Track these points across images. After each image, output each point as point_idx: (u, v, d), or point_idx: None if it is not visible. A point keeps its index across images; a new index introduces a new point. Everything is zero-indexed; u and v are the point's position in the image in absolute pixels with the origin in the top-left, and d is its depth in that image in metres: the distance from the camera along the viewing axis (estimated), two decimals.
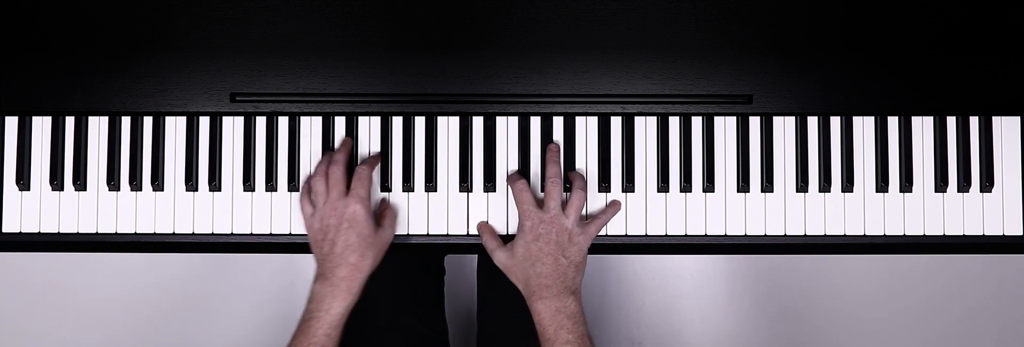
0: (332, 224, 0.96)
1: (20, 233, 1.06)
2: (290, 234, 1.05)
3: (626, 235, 1.05)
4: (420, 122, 1.06)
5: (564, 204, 0.99)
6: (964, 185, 1.05)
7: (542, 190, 1.04)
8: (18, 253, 1.18)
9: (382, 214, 1.02)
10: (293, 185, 1.05)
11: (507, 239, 1.03)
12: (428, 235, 1.05)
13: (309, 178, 1.04)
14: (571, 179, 1.02)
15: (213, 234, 1.05)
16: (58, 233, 1.06)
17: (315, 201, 1.00)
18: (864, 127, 1.06)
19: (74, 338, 1.78)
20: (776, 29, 1.04)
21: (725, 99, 1.04)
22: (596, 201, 1.05)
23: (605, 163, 1.05)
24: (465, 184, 1.05)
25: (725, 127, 1.06)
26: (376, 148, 1.06)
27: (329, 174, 0.99)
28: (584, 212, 1.04)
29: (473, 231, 1.05)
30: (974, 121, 1.06)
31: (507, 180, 1.02)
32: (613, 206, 1.03)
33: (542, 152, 1.05)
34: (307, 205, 1.01)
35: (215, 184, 1.05)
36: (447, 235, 1.05)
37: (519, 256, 0.97)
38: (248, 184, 1.05)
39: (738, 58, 1.04)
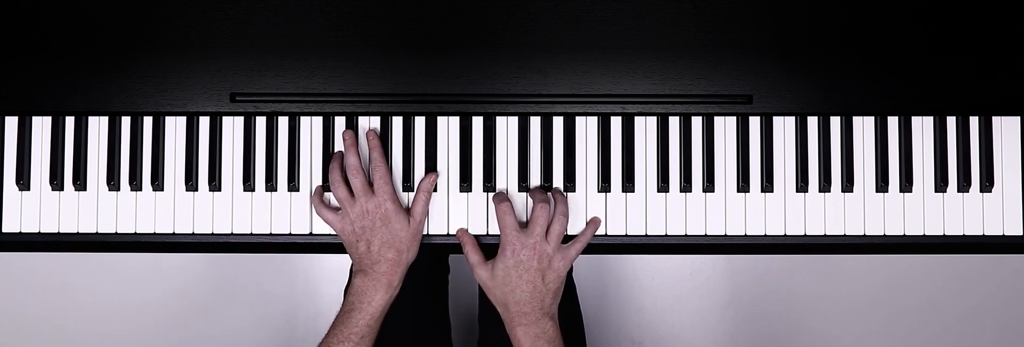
0: (366, 225, 0.98)
1: (20, 233, 1.06)
2: (290, 234, 1.05)
3: (626, 235, 1.05)
4: (420, 122, 1.06)
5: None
6: (964, 185, 1.05)
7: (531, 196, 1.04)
8: (18, 253, 1.18)
9: (415, 200, 1.02)
10: (293, 185, 1.05)
11: (492, 243, 1.03)
12: (428, 235, 1.05)
13: (317, 190, 1.04)
14: (555, 202, 1.01)
15: (213, 234, 1.05)
16: (58, 233, 1.06)
17: (342, 207, 1.00)
18: (864, 127, 1.06)
19: (74, 338, 1.78)
20: (776, 29, 1.04)
21: (725, 99, 1.04)
22: (597, 201, 1.05)
23: (605, 163, 1.05)
24: (465, 184, 1.05)
25: (725, 127, 1.06)
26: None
27: (351, 181, 1.00)
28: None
29: (473, 231, 1.05)
30: (974, 121, 1.06)
31: (493, 200, 1.02)
32: (592, 224, 1.03)
33: (542, 152, 1.05)
34: (327, 213, 1.01)
35: (215, 184, 1.05)
36: (448, 235, 1.05)
37: (498, 278, 0.98)
38: (248, 184, 1.05)
39: (738, 58, 1.04)
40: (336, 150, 1.05)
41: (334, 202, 1.04)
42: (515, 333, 0.98)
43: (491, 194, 1.05)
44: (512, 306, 0.97)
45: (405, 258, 0.98)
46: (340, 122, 1.06)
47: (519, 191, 1.05)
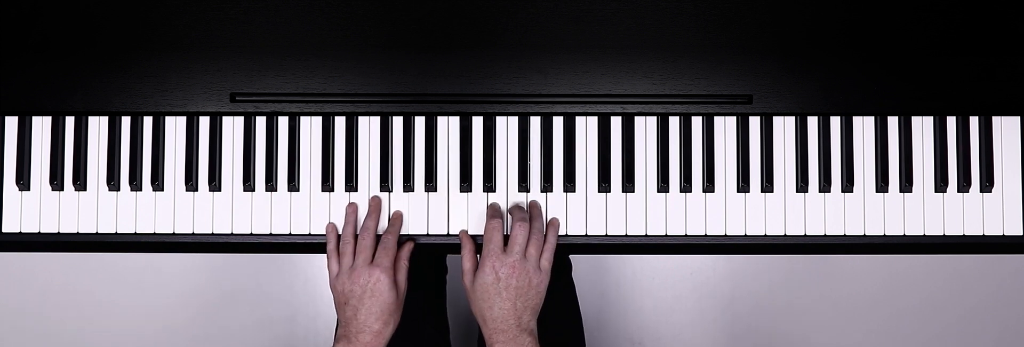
0: (356, 292, 0.98)
1: (20, 233, 1.06)
2: (290, 234, 1.05)
3: (626, 235, 1.05)
4: (420, 122, 1.06)
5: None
6: (964, 185, 1.05)
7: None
8: (18, 253, 1.18)
9: (396, 269, 1.01)
10: (293, 185, 1.05)
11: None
12: (428, 235, 1.05)
13: (333, 234, 1.04)
14: (532, 220, 1.02)
15: (213, 234, 1.05)
16: (58, 233, 1.05)
17: (341, 263, 1.01)
18: (864, 127, 1.06)
19: (74, 338, 1.78)
20: (776, 29, 1.04)
21: (725, 99, 1.04)
22: (597, 201, 1.05)
23: (605, 163, 1.05)
24: (465, 184, 1.05)
25: (725, 127, 1.06)
26: (376, 147, 1.06)
27: (359, 240, 1.01)
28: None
29: (473, 231, 1.05)
30: (974, 121, 1.06)
31: (487, 213, 1.03)
32: (551, 226, 1.03)
33: (542, 152, 1.05)
34: (334, 264, 1.01)
35: (215, 184, 1.05)
36: (447, 235, 1.05)
37: (478, 292, 0.99)
38: (248, 184, 1.05)
39: (738, 58, 1.04)
40: (336, 154, 1.05)
41: None
42: None
43: (490, 194, 1.05)
44: (490, 322, 0.98)
45: (388, 331, 0.99)
46: (340, 122, 1.06)
47: (519, 191, 1.05)
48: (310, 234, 1.05)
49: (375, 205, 1.04)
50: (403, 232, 1.05)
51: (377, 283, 0.98)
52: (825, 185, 1.05)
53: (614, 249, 1.05)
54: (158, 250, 1.06)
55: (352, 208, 1.04)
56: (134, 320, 1.78)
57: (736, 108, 1.04)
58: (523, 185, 1.05)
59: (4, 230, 1.06)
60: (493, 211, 1.02)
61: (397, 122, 1.06)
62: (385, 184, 1.05)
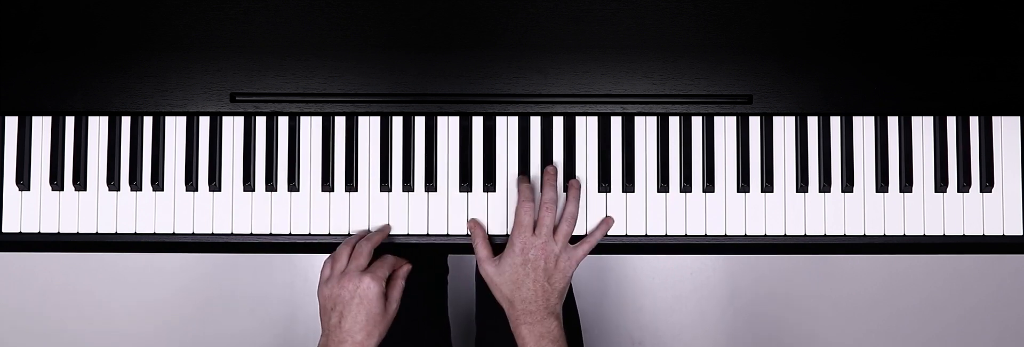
0: (344, 298, 0.96)
1: (20, 233, 1.06)
2: (290, 234, 1.05)
3: (626, 235, 1.05)
4: (420, 122, 1.06)
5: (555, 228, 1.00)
6: (964, 185, 1.05)
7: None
8: (18, 253, 1.18)
9: (391, 286, 1.00)
10: (293, 185, 1.05)
11: (499, 243, 1.03)
12: (428, 235, 1.05)
13: (339, 248, 1.02)
14: (566, 202, 1.02)
15: (213, 234, 1.05)
16: (58, 233, 1.06)
17: (334, 267, 0.99)
18: (864, 127, 1.06)
19: (74, 338, 1.78)
20: (776, 29, 1.04)
21: (725, 99, 1.04)
22: (597, 201, 1.05)
23: (605, 163, 1.05)
24: (465, 184, 1.05)
25: (725, 127, 1.06)
26: (376, 147, 1.06)
27: (356, 246, 0.99)
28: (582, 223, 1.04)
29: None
30: (974, 121, 1.06)
31: (517, 190, 1.02)
32: (604, 224, 1.04)
33: (542, 152, 1.05)
34: (327, 269, 1.00)
35: (215, 184, 1.05)
36: (447, 235, 1.05)
37: (506, 275, 0.98)
38: (248, 184, 1.05)
39: (738, 58, 1.04)
40: (336, 154, 1.05)
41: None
42: (519, 331, 0.98)
43: (490, 194, 1.05)
44: (518, 304, 0.98)
45: (372, 342, 0.96)
46: (340, 122, 1.06)
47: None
48: (310, 234, 1.05)
49: (385, 227, 1.04)
50: (399, 231, 1.05)
51: (367, 290, 0.95)
52: (825, 185, 1.05)
53: (614, 249, 1.05)
54: (158, 250, 1.06)
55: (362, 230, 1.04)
56: (134, 320, 1.78)
57: (736, 108, 1.04)
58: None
59: (4, 230, 1.06)
60: (526, 193, 1.01)
61: (397, 122, 1.06)
62: (385, 184, 1.05)
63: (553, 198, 1.01)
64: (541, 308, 0.97)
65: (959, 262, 1.78)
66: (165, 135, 1.06)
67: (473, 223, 1.04)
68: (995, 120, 1.06)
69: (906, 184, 1.05)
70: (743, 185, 1.05)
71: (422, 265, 1.27)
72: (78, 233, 1.05)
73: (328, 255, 1.02)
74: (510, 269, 0.98)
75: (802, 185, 1.05)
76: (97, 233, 1.05)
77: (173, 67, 1.04)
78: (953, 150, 1.06)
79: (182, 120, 1.06)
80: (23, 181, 1.06)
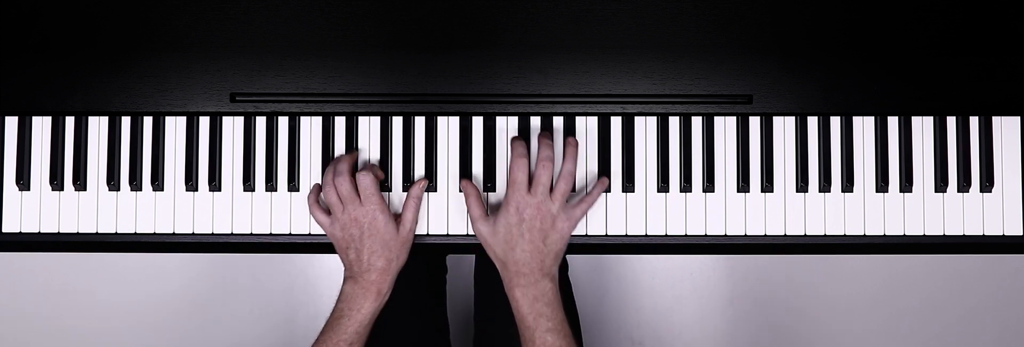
0: (355, 234, 0.98)
1: (20, 233, 1.06)
2: (290, 234, 1.05)
3: (626, 235, 1.05)
4: (420, 122, 1.06)
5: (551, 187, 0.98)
6: (964, 185, 1.05)
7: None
8: (18, 253, 1.18)
9: (406, 207, 1.01)
10: (293, 185, 1.05)
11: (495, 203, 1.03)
12: (428, 235, 1.05)
13: (314, 187, 1.04)
14: (564, 160, 1.00)
15: (213, 234, 1.05)
16: (58, 233, 1.06)
17: (332, 211, 1.00)
18: (864, 127, 1.06)
19: (74, 338, 1.78)
20: (776, 29, 1.04)
21: (725, 99, 1.04)
22: (597, 201, 1.05)
23: (605, 163, 1.05)
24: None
25: (725, 127, 1.06)
26: (376, 147, 1.06)
27: (337, 185, 0.99)
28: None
29: (472, 231, 1.05)
30: (974, 121, 1.06)
31: (511, 148, 1.00)
32: (600, 183, 1.02)
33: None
34: (319, 214, 1.01)
35: (215, 184, 1.05)
36: (447, 235, 1.05)
37: (500, 234, 0.97)
38: (248, 184, 1.05)
39: (738, 58, 1.04)
40: (336, 154, 1.06)
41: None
42: (513, 294, 0.96)
43: (490, 194, 1.05)
44: (511, 265, 0.96)
45: (395, 266, 0.98)
46: (340, 122, 1.06)
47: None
48: (310, 234, 1.05)
49: (351, 155, 1.03)
50: None
51: (373, 220, 0.97)
52: (825, 185, 1.05)
53: (614, 249, 1.05)
54: (158, 250, 1.06)
55: (334, 159, 1.03)
56: (134, 320, 1.78)
57: (736, 108, 1.05)
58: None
59: (4, 230, 1.06)
60: (520, 149, 0.99)
61: (397, 122, 1.06)
62: (385, 183, 1.05)
63: (549, 156, 0.98)
64: (536, 270, 0.95)
65: (959, 262, 1.78)
66: (165, 135, 1.06)
67: (466, 183, 1.03)
68: (995, 120, 1.06)
69: (906, 184, 1.05)
70: (743, 185, 1.05)
71: (421, 265, 1.27)
72: (78, 233, 1.05)
73: (311, 202, 1.02)
74: (504, 229, 0.96)
75: (802, 185, 1.05)
76: (97, 233, 1.05)
77: (173, 67, 1.04)
78: (953, 150, 1.06)
79: (182, 120, 1.06)
80: (23, 181, 1.06)
